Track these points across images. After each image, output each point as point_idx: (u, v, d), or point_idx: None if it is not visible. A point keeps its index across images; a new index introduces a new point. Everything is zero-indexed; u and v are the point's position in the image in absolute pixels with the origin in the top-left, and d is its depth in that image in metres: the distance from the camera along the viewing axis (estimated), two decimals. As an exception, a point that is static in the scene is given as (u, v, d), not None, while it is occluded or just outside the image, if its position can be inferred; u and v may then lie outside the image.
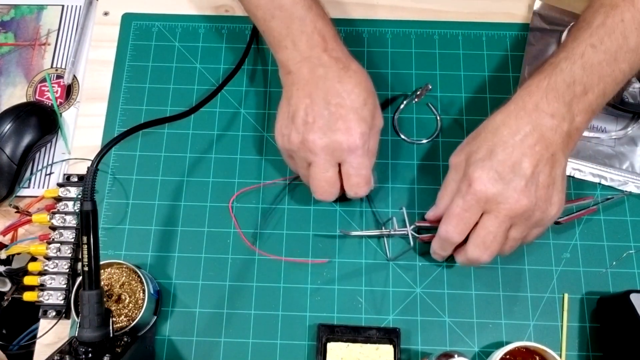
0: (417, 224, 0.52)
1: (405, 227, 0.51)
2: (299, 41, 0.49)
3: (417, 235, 0.52)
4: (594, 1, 0.48)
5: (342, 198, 0.53)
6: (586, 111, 0.46)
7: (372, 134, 0.49)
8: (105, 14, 0.65)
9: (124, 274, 0.50)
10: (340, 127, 0.47)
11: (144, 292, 0.49)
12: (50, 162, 0.59)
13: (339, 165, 0.49)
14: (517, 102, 0.46)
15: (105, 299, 0.48)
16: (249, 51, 0.61)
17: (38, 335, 0.52)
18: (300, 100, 0.48)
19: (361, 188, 0.50)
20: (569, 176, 0.56)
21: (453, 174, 0.48)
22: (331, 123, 0.47)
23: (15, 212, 0.56)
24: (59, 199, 0.55)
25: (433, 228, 0.50)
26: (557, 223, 0.54)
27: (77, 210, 0.54)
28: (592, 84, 0.45)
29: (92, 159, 0.44)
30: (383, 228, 0.54)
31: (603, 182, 0.56)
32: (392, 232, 0.52)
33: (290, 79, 0.50)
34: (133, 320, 0.48)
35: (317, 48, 0.49)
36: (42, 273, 0.53)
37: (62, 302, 0.52)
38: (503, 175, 0.44)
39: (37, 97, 0.62)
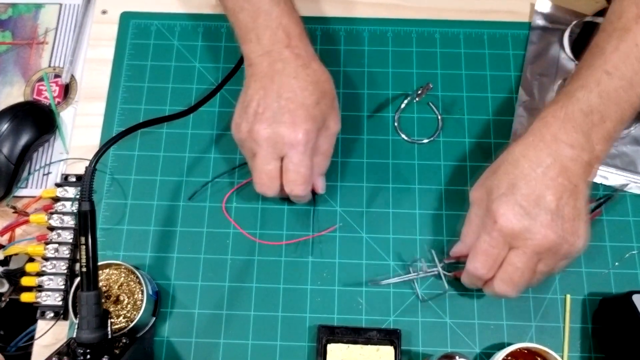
0: (446, 261, 0.52)
1: (435, 266, 0.51)
2: (263, 36, 0.49)
3: (448, 274, 0.51)
4: (605, 25, 0.47)
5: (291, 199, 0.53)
6: (605, 139, 0.45)
7: (323, 135, 0.50)
8: (104, 12, 0.64)
9: (123, 275, 0.50)
10: (286, 121, 0.47)
11: (142, 293, 0.49)
12: (48, 162, 0.59)
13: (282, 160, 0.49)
14: (535, 134, 0.45)
15: (103, 300, 0.48)
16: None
17: (36, 337, 0.52)
18: (255, 91, 0.49)
19: (297, 186, 0.49)
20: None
21: (475, 209, 0.48)
22: (278, 116, 0.47)
23: (13, 212, 0.56)
24: (56, 199, 0.55)
25: (461, 263, 0.51)
26: None
27: (75, 211, 0.54)
28: (609, 111, 0.44)
29: (90, 158, 0.44)
30: (411, 270, 0.53)
31: (604, 182, 0.56)
32: (421, 274, 0.52)
33: (250, 71, 0.50)
34: (132, 322, 0.47)
35: (280, 44, 0.49)
36: (40, 274, 0.53)
37: (60, 303, 0.52)
38: (528, 210, 0.43)
39: (34, 96, 0.61)
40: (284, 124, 0.47)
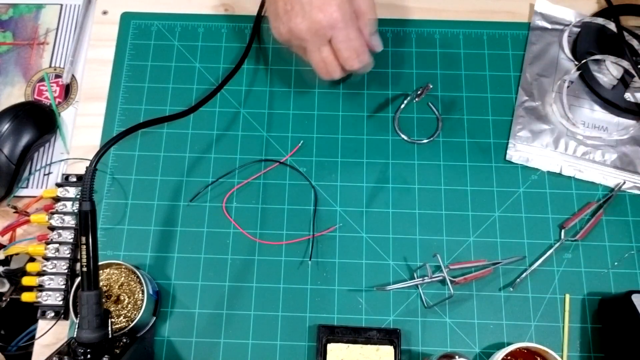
0: (451, 267, 0.52)
1: (441, 272, 0.51)
2: None
3: (453, 279, 0.51)
4: None
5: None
6: None
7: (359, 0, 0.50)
8: (104, 13, 0.64)
9: (123, 275, 0.50)
10: (316, 5, 0.48)
11: (143, 293, 0.49)
12: (48, 162, 0.59)
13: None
14: None
15: (104, 300, 0.48)
16: (249, 50, 0.60)
17: (36, 336, 0.52)
18: None
19: (354, 60, 0.50)
20: (571, 177, 0.56)
21: None
22: (306, 4, 0.48)
23: (14, 212, 0.56)
24: (57, 199, 0.55)
25: (467, 269, 0.52)
26: (574, 240, 0.54)
27: (76, 211, 0.54)
28: None
29: (91, 158, 0.44)
30: (415, 276, 0.53)
31: (603, 182, 0.56)
32: (427, 280, 0.52)
33: None
34: (132, 321, 0.48)
35: None
36: (40, 274, 0.53)
37: (60, 302, 0.52)
38: None
39: (35, 96, 0.61)
40: (314, 9, 0.48)
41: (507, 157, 0.57)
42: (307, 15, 0.48)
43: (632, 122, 0.58)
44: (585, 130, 0.57)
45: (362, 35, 0.51)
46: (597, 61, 0.60)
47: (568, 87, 0.59)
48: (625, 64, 0.59)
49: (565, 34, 0.61)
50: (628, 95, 0.58)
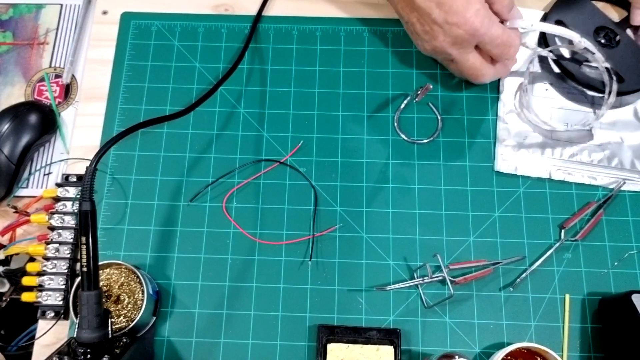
0: (451, 267, 0.52)
1: (441, 272, 0.51)
2: None
3: (453, 279, 0.51)
4: None
5: None
6: None
7: None
8: (104, 13, 0.64)
9: (123, 275, 0.50)
10: (453, 22, 0.49)
11: (143, 293, 0.49)
12: (48, 162, 0.59)
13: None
14: None
15: (104, 300, 0.48)
16: (246, 49, 0.60)
17: (36, 336, 0.52)
18: (409, 14, 0.53)
19: (507, 54, 0.52)
20: (564, 181, 0.56)
21: None
22: (444, 24, 0.50)
23: (14, 212, 0.56)
24: (57, 199, 0.55)
25: (467, 269, 0.52)
26: (574, 240, 0.54)
27: (76, 211, 0.54)
28: None
29: (91, 158, 0.44)
30: (415, 276, 0.53)
31: (592, 182, 0.56)
32: (427, 280, 0.52)
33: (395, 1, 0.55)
34: (132, 321, 0.48)
35: None
36: (40, 274, 0.53)
37: (60, 302, 0.52)
38: None
39: (35, 96, 0.61)
40: (454, 26, 0.49)
41: (496, 168, 0.56)
42: (447, 33, 0.50)
43: (602, 102, 0.57)
44: (568, 128, 0.57)
45: (503, 18, 0.52)
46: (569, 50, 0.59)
47: (546, 89, 0.59)
48: (585, 42, 0.57)
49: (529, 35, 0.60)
50: (587, 70, 0.57)
